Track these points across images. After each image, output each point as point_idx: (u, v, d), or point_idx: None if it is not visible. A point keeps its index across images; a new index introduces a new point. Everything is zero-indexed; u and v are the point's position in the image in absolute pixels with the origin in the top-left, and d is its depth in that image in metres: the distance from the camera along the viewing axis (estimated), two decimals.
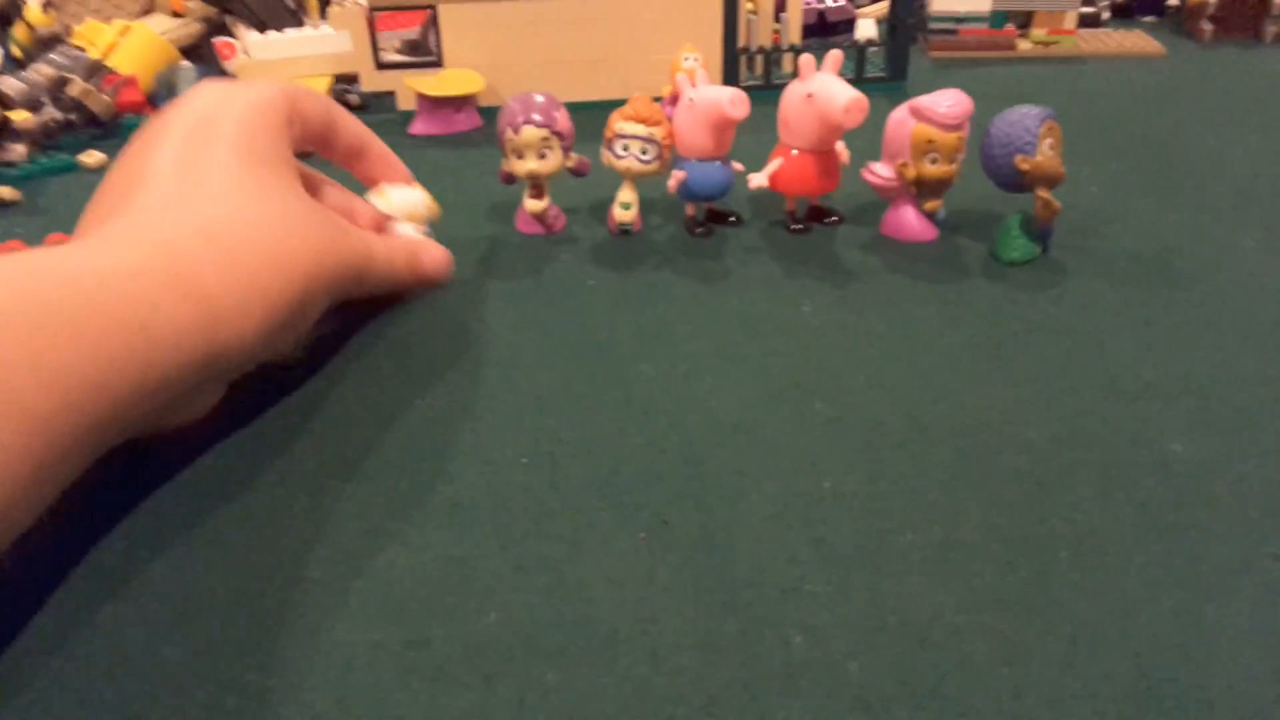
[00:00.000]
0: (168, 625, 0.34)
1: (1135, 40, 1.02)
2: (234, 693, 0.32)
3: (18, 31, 0.90)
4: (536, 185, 0.61)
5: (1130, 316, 0.52)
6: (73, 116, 0.81)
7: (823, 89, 0.56)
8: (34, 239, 0.63)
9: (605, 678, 0.32)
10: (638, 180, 0.61)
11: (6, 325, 0.33)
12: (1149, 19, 1.12)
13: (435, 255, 0.56)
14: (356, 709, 0.31)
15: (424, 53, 0.85)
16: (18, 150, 0.76)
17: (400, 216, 0.57)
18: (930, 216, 0.61)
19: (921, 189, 0.59)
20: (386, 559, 0.37)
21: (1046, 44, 0.99)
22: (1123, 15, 1.12)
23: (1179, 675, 0.31)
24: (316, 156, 0.56)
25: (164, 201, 0.42)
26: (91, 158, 0.76)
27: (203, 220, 0.41)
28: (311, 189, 0.52)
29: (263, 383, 0.47)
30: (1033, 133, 0.55)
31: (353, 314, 0.54)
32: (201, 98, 0.48)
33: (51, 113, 0.79)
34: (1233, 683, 0.31)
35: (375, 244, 0.51)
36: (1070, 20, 1.00)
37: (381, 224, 0.56)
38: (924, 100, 0.56)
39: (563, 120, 0.59)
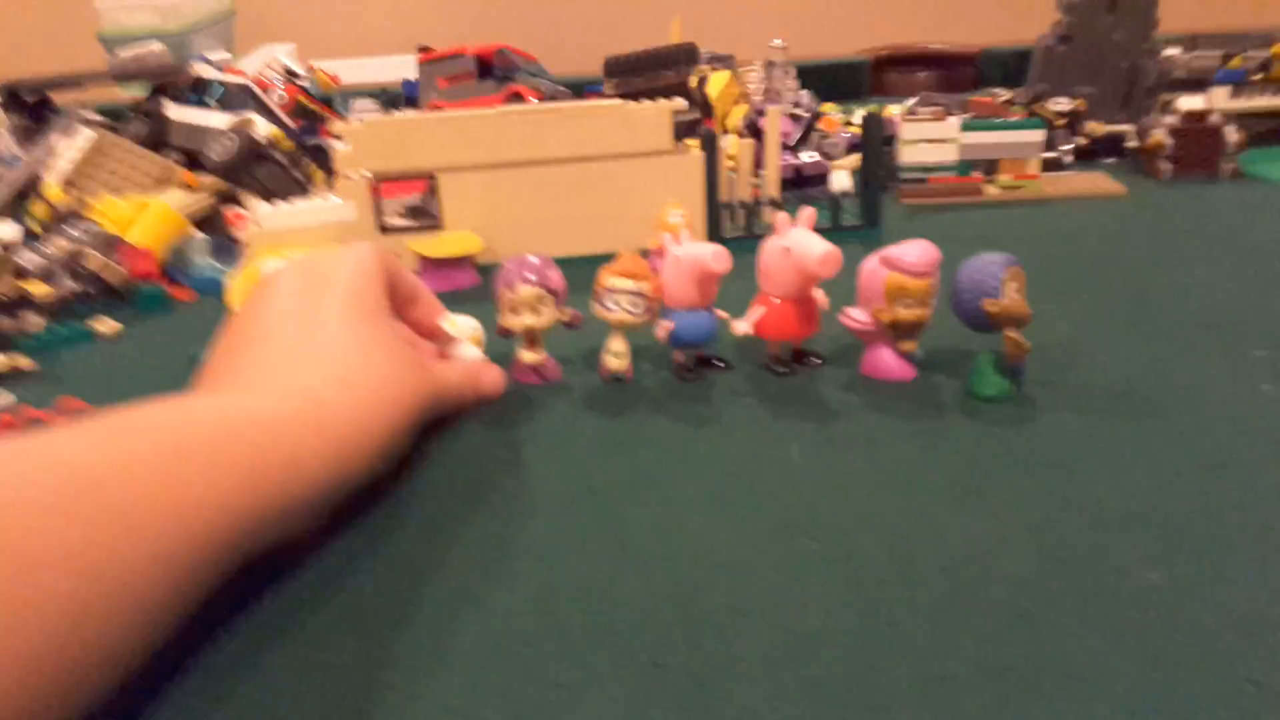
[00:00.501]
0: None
1: (1097, 181, 1.07)
2: None
3: (36, 208, 0.95)
4: (532, 339, 0.64)
5: (1104, 448, 0.54)
6: (89, 288, 0.85)
7: (799, 243, 0.60)
8: (46, 403, 0.65)
9: None
10: (628, 330, 0.64)
11: (174, 463, 0.40)
12: (1110, 160, 1.18)
13: (493, 375, 0.63)
14: None
15: (425, 217, 0.89)
16: (34, 321, 0.80)
17: (465, 339, 0.64)
18: (907, 356, 0.63)
19: (897, 331, 0.61)
20: (385, 714, 0.38)
21: (1013, 188, 1.05)
22: (1085, 158, 1.18)
23: None
24: None
25: (294, 351, 0.50)
26: (106, 326, 0.80)
27: (338, 370, 0.49)
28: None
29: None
30: (997, 278, 0.58)
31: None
32: (311, 259, 0.57)
33: (69, 285, 0.83)
34: None
35: (448, 373, 0.60)
36: (1034, 165, 1.05)
37: (444, 353, 0.64)
38: (894, 250, 0.60)
39: (556, 278, 0.62)
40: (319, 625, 0.43)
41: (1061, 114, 1.15)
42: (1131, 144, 1.16)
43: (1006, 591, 0.42)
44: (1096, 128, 1.17)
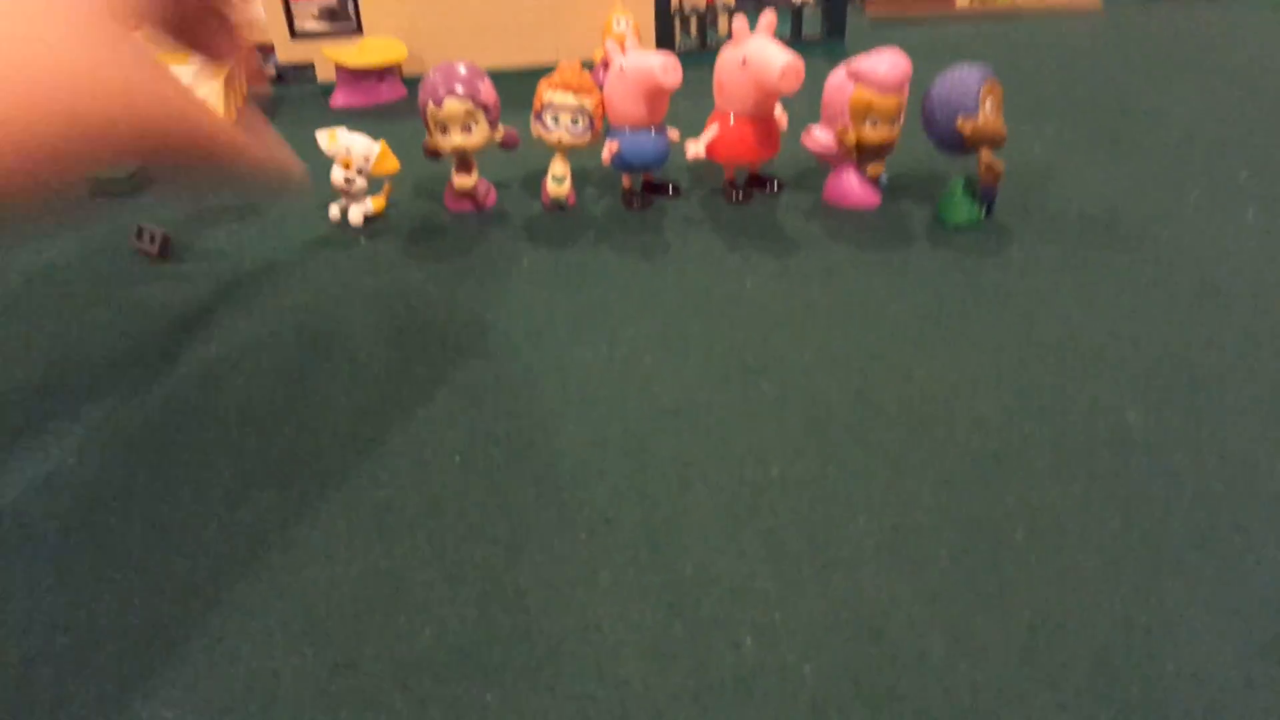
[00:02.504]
0: (73, 661, 0.32)
1: None
2: None
3: None
4: (464, 161, 0.58)
5: (1077, 280, 0.50)
6: None
7: (758, 54, 0.54)
8: None
9: (546, 696, 0.30)
10: (570, 152, 0.58)
11: None
12: None
13: (296, 168, 0.41)
14: None
15: (343, 19, 0.80)
16: None
17: (338, 159, 0.56)
18: (873, 181, 0.59)
19: (863, 154, 0.57)
20: (310, 575, 0.34)
21: (984, 1, 0.98)
22: None
23: (1139, 661, 0.30)
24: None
25: None
26: None
27: None
28: None
29: (175, 384, 0.44)
30: (973, 94, 0.53)
31: (262, 299, 0.51)
32: None
33: None
34: (1196, 667, 0.30)
35: (208, 113, 0.36)
36: None
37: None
38: (862, 63, 0.54)
39: (487, 91, 0.56)
40: (236, 479, 0.39)
41: None
42: None
43: (975, 435, 0.40)
44: None
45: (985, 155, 0.54)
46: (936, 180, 0.60)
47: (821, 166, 0.61)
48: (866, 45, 0.83)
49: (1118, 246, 0.53)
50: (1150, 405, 0.41)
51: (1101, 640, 0.31)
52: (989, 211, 0.57)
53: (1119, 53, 0.85)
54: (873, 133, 0.55)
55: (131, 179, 0.63)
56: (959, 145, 0.55)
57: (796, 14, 0.86)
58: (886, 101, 0.54)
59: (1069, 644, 0.31)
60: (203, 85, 0.72)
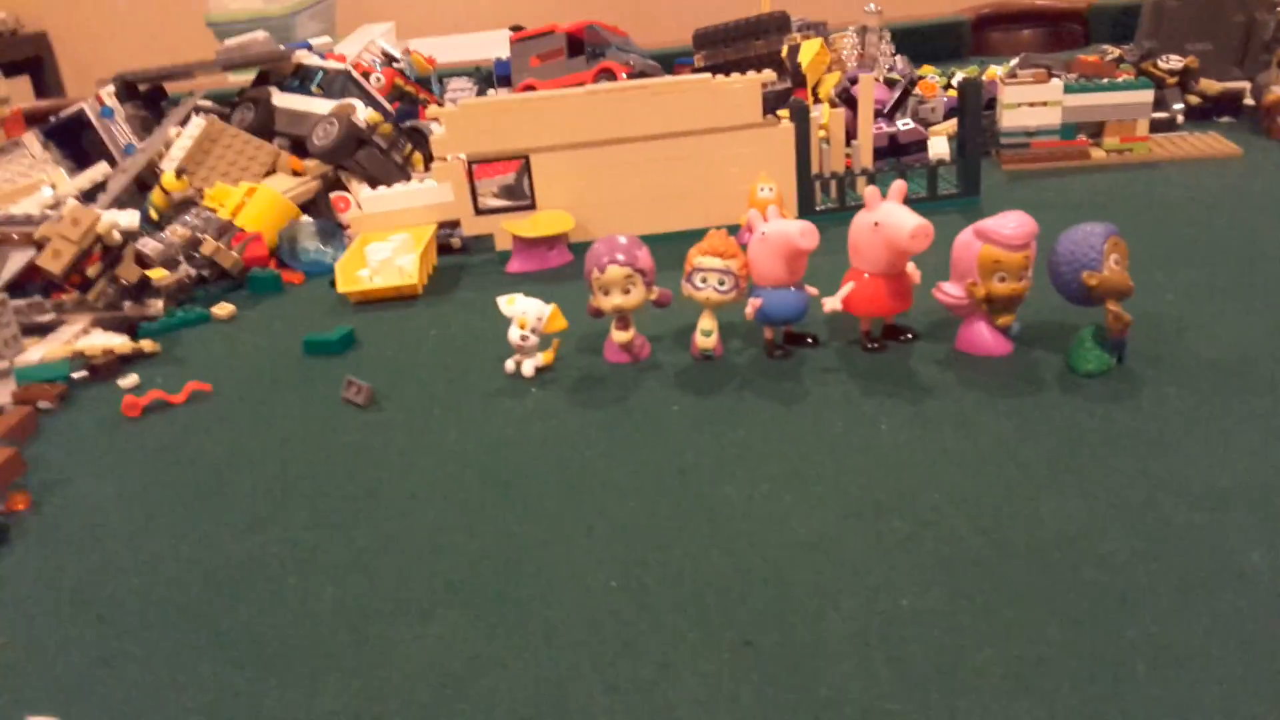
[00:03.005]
0: None
1: (1210, 143, 1.02)
2: None
3: (155, 197, 1.00)
4: (622, 318, 0.65)
5: (1206, 425, 0.52)
6: (205, 272, 0.89)
7: (889, 217, 0.59)
8: (172, 387, 0.69)
9: None
10: (717, 308, 0.64)
11: None
12: (1224, 120, 1.12)
13: None
14: None
15: (518, 196, 0.91)
16: (156, 305, 0.85)
17: (515, 320, 0.64)
18: (1004, 331, 0.62)
19: (993, 306, 0.60)
20: (487, 684, 0.40)
21: (1120, 151, 1.01)
22: (1198, 117, 1.12)
23: None
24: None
25: None
26: (223, 310, 0.84)
27: None
28: None
29: (375, 515, 0.52)
30: (1097, 250, 0.57)
31: (449, 442, 0.58)
32: None
33: (186, 270, 0.88)
34: None
35: None
36: (1142, 127, 1.01)
37: None
38: (989, 223, 0.59)
39: (644, 258, 0.63)
40: (426, 598, 0.45)
41: (1172, 72, 1.10)
42: (1248, 102, 1.10)
43: (1101, 573, 0.42)
44: (1210, 86, 1.11)
45: (1112, 307, 0.57)
46: (1068, 330, 0.62)
47: (954, 318, 0.64)
48: (1002, 198, 0.87)
49: (1248, 392, 0.55)
50: (1274, 547, 0.42)
51: None
52: (1120, 359, 0.59)
53: (1256, 199, 0.86)
54: (1002, 287, 0.59)
55: None
56: (1085, 298, 0.58)
57: (933, 172, 0.92)
58: (1013, 258, 0.58)
59: None
60: (401, 255, 0.83)
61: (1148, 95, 1.00)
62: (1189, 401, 0.54)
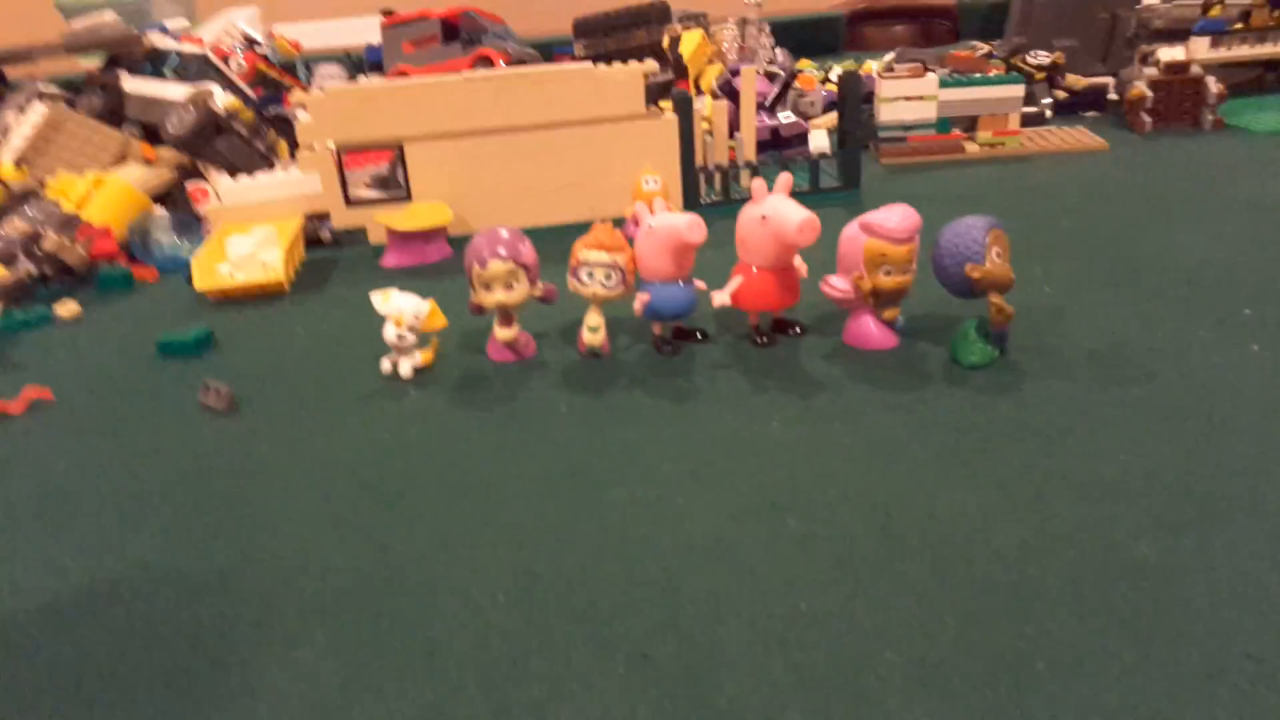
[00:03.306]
0: None
1: (1078, 136, 1.06)
2: None
3: None
4: (505, 315, 0.62)
5: (1092, 415, 0.53)
6: (47, 269, 0.82)
7: (776, 211, 0.58)
8: (9, 395, 0.63)
9: None
10: (604, 304, 0.62)
11: None
12: (1090, 114, 1.16)
13: None
14: None
15: (393, 187, 0.87)
16: None
17: (390, 318, 0.60)
18: (890, 324, 0.62)
19: (879, 299, 0.60)
20: (361, 710, 0.37)
21: (993, 145, 1.03)
22: (1065, 112, 1.16)
23: None
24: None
25: None
26: (66, 309, 0.77)
27: None
28: None
29: (236, 529, 0.48)
30: (980, 242, 0.57)
31: (319, 450, 0.54)
32: None
33: (26, 267, 0.81)
34: None
35: None
36: (1014, 121, 1.04)
37: None
38: (874, 216, 0.58)
39: (528, 252, 0.60)
40: (295, 619, 0.41)
41: (1041, 67, 1.14)
42: (1112, 97, 1.14)
43: (995, 568, 0.41)
44: (1076, 81, 1.15)
45: (995, 299, 0.57)
46: (951, 322, 0.63)
47: (840, 311, 0.64)
48: (882, 191, 0.88)
49: (1128, 382, 0.56)
50: (1162, 537, 0.43)
51: None
52: (1003, 351, 0.60)
53: (1125, 191, 0.89)
54: (888, 280, 0.59)
55: None
56: (969, 291, 0.58)
57: (814, 166, 0.92)
58: (899, 251, 0.58)
59: None
60: (265, 250, 0.78)
61: (1019, 90, 1.03)
62: (1071, 392, 0.55)
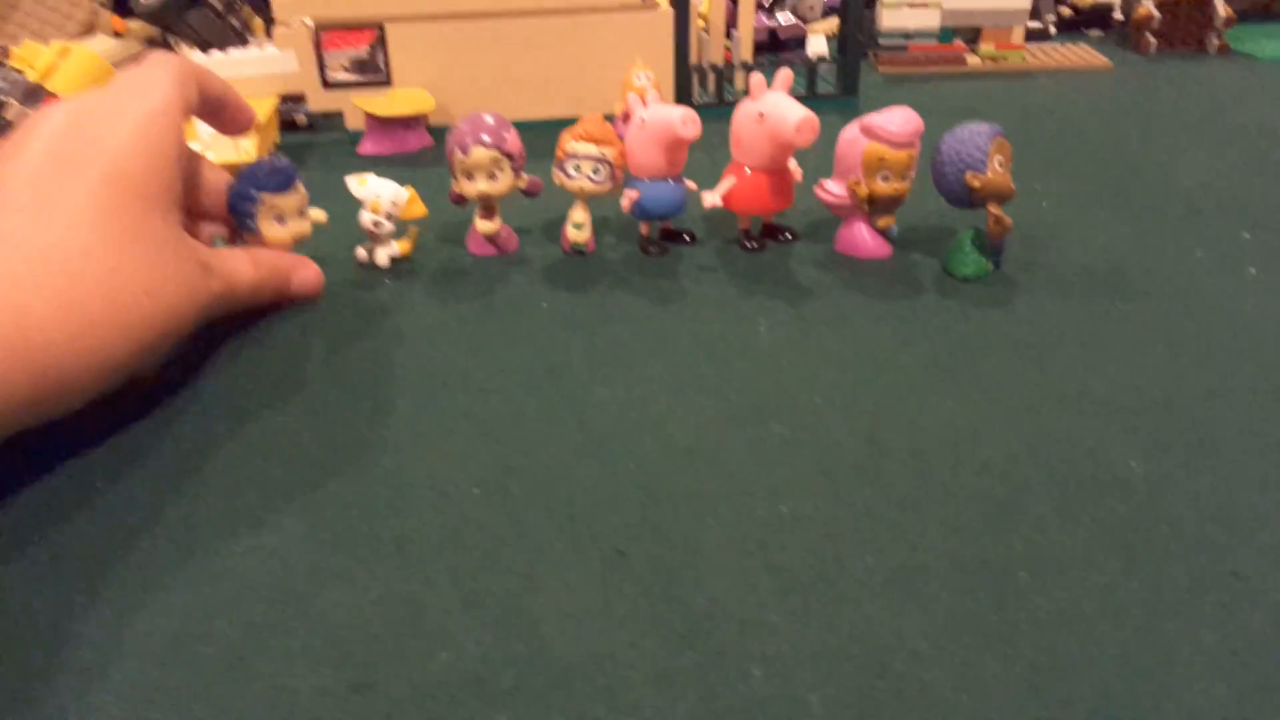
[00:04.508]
0: (97, 674, 0.33)
1: (1081, 54, 1.03)
2: None
3: None
4: (487, 206, 0.60)
5: (1083, 331, 0.52)
6: None
7: (774, 108, 0.56)
8: None
9: (558, 718, 0.31)
10: (590, 200, 0.60)
11: None
12: (1095, 33, 1.13)
13: (305, 276, 0.56)
14: None
15: (372, 72, 0.83)
16: None
17: (366, 204, 0.58)
18: (883, 233, 0.61)
19: (874, 206, 0.58)
20: (330, 599, 0.36)
21: (995, 59, 1.00)
22: (1069, 29, 1.13)
23: (1141, 700, 0.31)
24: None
25: (15, 243, 0.39)
26: None
27: (64, 282, 0.39)
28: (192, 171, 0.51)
29: (203, 412, 0.46)
30: (982, 150, 0.55)
31: (290, 337, 0.52)
32: (92, 102, 0.45)
33: None
34: (1194, 707, 0.30)
35: (239, 271, 0.51)
36: (1017, 35, 1.01)
37: (260, 238, 0.55)
38: (875, 118, 0.56)
39: (513, 141, 0.58)
40: (261, 506, 0.40)
41: None
42: (1118, 16, 1.11)
43: (981, 479, 0.41)
44: None
45: (993, 209, 0.56)
46: (946, 234, 0.61)
47: (833, 218, 0.62)
48: (879, 101, 0.85)
49: (1122, 300, 0.55)
50: (1152, 454, 0.42)
51: (1102, 680, 0.31)
52: (997, 265, 0.58)
53: (1128, 111, 0.87)
54: (884, 186, 0.57)
55: None
56: (967, 200, 0.56)
57: (811, 71, 0.89)
58: (898, 156, 0.56)
59: (1070, 683, 0.31)
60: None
61: (1025, 2, 0.99)
62: (1064, 308, 0.54)
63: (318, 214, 0.57)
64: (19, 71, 0.83)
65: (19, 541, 0.39)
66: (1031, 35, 1.06)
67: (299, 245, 0.56)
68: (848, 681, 0.32)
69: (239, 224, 0.54)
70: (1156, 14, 1.04)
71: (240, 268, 0.50)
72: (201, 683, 0.32)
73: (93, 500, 0.41)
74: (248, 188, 0.53)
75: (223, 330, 0.53)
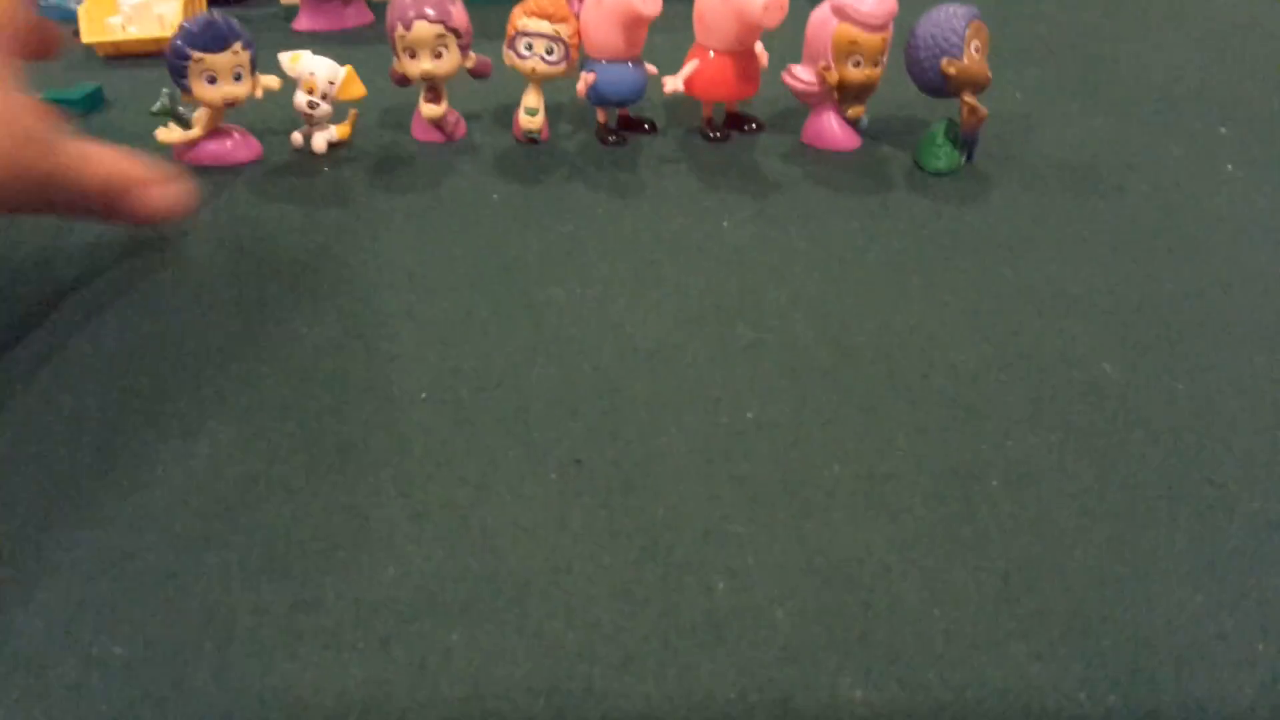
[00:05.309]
0: (22, 593, 0.30)
1: None
2: (98, 668, 0.28)
3: None
4: (433, 88, 0.56)
5: (1056, 229, 0.50)
6: None
7: None
8: None
9: (513, 636, 0.29)
10: (544, 83, 0.56)
11: None
12: None
13: (158, 193, 0.43)
14: (237, 682, 0.28)
15: None
16: None
17: (301, 83, 0.53)
18: (853, 124, 0.58)
19: (844, 94, 0.55)
20: (269, 510, 0.33)
21: None
22: None
23: (1114, 611, 0.30)
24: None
25: None
26: None
27: None
28: None
29: (128, 311, 0.43)
30: (959, 34, 0.52)
31: (221, 225, 0.49)
32: None
33: None
34: (1169, 616, 0.30)
35: (84, 160, 0.40)
36: None
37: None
38: None
39: (459, 15, 0.53)
40: (193, 412, 0.38)
41: None
42: None
43: (950, 383, 0.39)
44: None
45: (968, 98, 0.53)
46: (917, 125, 0.59)
47: (801, 107, 0.59)
48: None
49: (1097, 196, 0.53)
50: (1126, 356, 0.41)
51: (1076, 590, 0.31)
52: (970, 158, 0.56)
53: (1104, 1, 0.84)
54: (856, 72, 0.54)
55: None
56: (942, 88, 0.53)
57: None
58: (871, 39, 0.53)
59: (1043, 593, 0.30)
60: (161, 2, 0.69)
61: None
62: (1038, 205, 0.52)
63: (269, 80, 0.53)
64: None
65: None
66: None
67: (233, 112, 0.53)
68: (815, 595, 0.30)
69: (174, 82, 0.51)
70: None
71: (83, 153, 0.40)
72: (131, 601, 0.30)
73: (8, 404, 0.38)
74: (181, 44, 0.50)
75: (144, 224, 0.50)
